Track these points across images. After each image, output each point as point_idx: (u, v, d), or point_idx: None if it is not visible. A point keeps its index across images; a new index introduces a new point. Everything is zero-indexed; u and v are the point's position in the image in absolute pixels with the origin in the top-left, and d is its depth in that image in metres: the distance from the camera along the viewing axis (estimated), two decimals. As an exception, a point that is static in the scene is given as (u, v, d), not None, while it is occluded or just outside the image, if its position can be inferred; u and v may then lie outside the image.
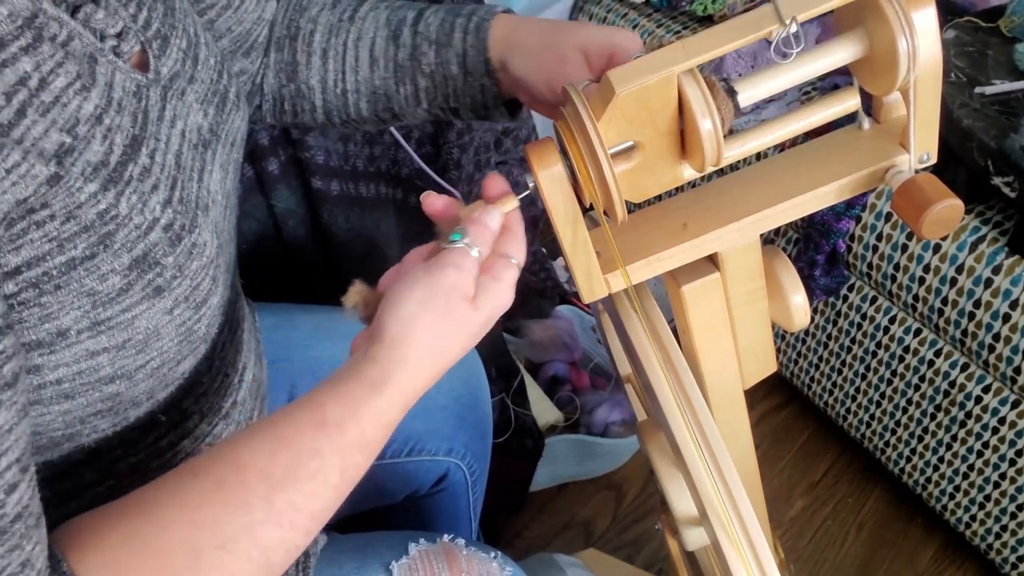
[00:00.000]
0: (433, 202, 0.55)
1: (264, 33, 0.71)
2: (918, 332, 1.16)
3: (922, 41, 0.45)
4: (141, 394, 0.51)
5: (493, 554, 0.71)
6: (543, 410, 1.40)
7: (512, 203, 0.53)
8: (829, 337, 1.31)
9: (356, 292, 0.53)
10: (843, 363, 1.32)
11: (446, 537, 0.71)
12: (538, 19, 0.64)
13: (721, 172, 0.56)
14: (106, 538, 0.43)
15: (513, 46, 0.64)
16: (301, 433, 0.46)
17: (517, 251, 0.53)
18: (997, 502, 1.16)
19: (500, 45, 0.64)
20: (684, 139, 0.49)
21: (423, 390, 0.50)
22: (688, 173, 0.51)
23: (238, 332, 0.64)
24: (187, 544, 0.42)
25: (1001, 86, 1.02)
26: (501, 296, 0.51)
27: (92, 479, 0.54)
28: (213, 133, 0.57)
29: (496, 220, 0.52)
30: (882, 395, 1.27)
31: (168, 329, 0.50)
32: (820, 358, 1.36)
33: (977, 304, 1.03)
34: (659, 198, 0.55)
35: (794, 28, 0.44)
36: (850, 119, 0.55)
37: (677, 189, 0.53)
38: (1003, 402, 1.08)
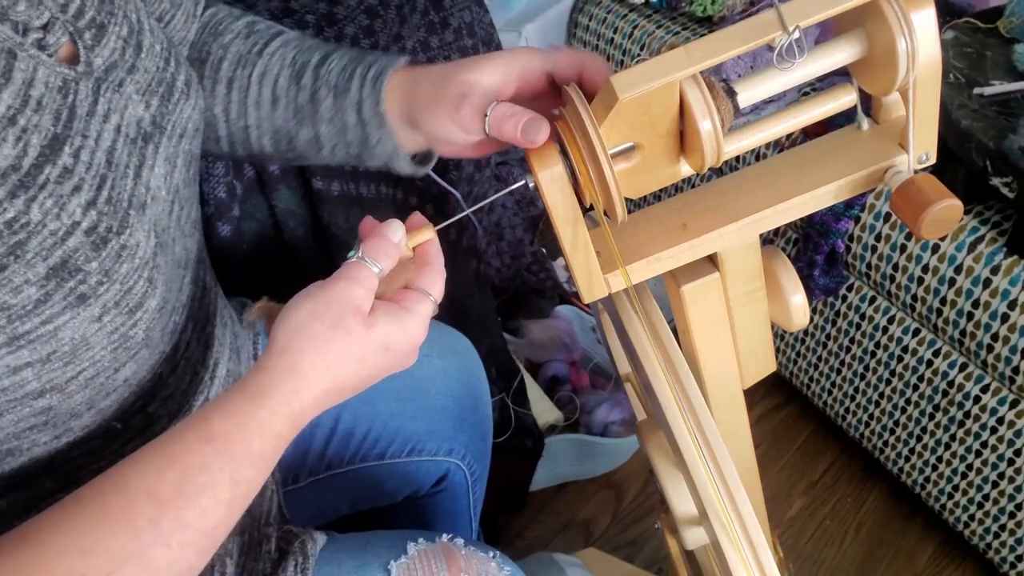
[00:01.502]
0: (363, 223, 0.53)
1: (185, 52, 0.68)
2: (917, 332, 1.16)
3: (921, 42, 0.45)
4: (78, 405, 0.49)
5: (492, 553, 0.71)
6: (543, 410, 1.41)
7: (428, 233, 0.52)
8: (828, 337, 1.32)
9: (259, 308, 0.54)
10: (842, 363, 1.32)
11: (445, 537, 0.71)
12: (435, 67, 0.59)
13: (721, 172, 0.57)
14: None
15: (415, 102, 0.59)
16: (188, 449, 0.44)
17: (433, 286, 0.51)
18: (996, 501, 1.16)
19: (400, 101, 0.60)
20: (684, 138, 0.49)
21: (314, 405, 0.48)
22: (685, 169, 0.51)
23: (207, 328, 0.62)
24: (74, 573, 0.41)
25: (1000, 87, 1.02)
26: (407, 326, 0.49)
27: (52, 487, 0.53)
28: (156, 125, 0.54)
29: (396, 232, 0.50)
30: (881, 395, 1.27)
31: (98, 337, 0.47)
32: (819, 358, 1.36)
33: (976, 304, 1.04)
34: (659, 197, 0.55)
35: (797, 35, 0.44)
36: (849, 120, 0.55)
37: (676, 188, 0.53)
38: (1002, 402, 1.08)
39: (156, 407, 0.56)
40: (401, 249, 0.51)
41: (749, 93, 0.48)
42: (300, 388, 0.47)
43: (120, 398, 0.52)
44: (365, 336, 0.48)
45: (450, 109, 0.54)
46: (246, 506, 0.47)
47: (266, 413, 0.46)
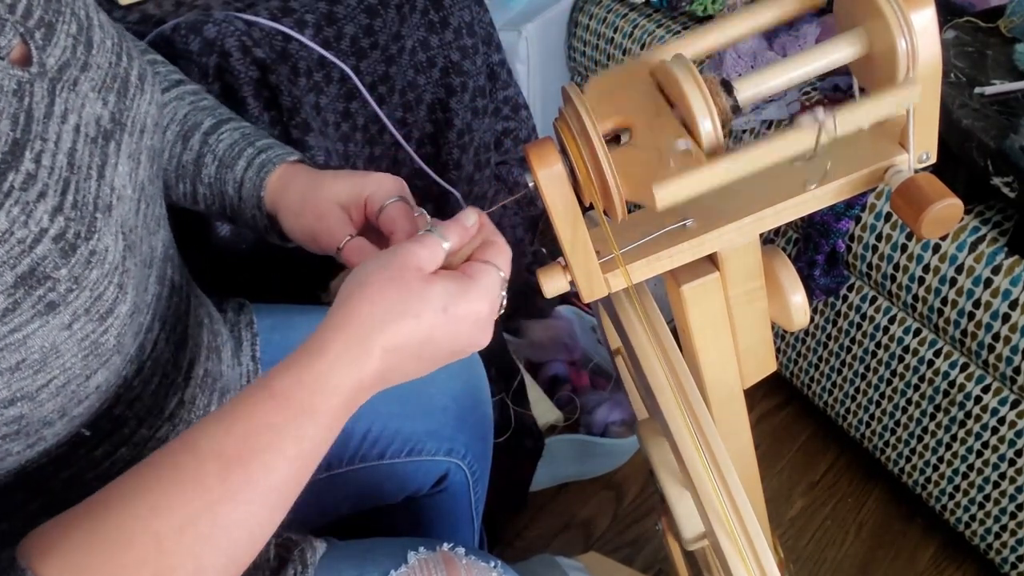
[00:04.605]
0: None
1: None
2: (918, 332, 1.16)
3: (921, 41, 0.45)
4: (50, 413, 0.48)
5: (493, 563, 0.71)
6: (543, 410, 1.40)
7: (473, 217, 0.53)
8: (829, 337, 1.31)
9: (336, 284, 0.54)
10: (843, 363, 1.32)
11: (445, 546, 0.70)
12: (306, 173, 0.65)
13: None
14: (69, 539, 0.42)
15: (280, 204, 0.65)
16: (252, 408, 0.45)
17: (500, 260, 0.51)
18: (997, 502, 1.16)
19: (273, 196, 0.65)
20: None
21: (377, 362, 0.47)
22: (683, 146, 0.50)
23: (178, 329, 0.62)
24: (147, 531, 0.42)
25: (1001, 86, 1.02)
26: (469, 293, 0.48)
27: (23, 498, 0.52)
28: (116, 122, 0.53)
29: (471, 218, 0.52)
30: (882, 395, 1.27)
31: (68, 345, 0.46)
32: (820, 358, 1.36)
33: (977, 304, 1.04)
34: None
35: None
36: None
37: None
38: (1003, 402, 1.08)
39: (122, 410, 0.55)
40: (472, 233, 0.52)
41: (749, 92, 0.48)
42: (359, 340, 0.46)
43: (91, 405, 0.51)
44: (422, 291, 0.47)
45: (309, 228, 0.62)
46: (313, 464, 0.46)
47: (324, 366, 0.45)
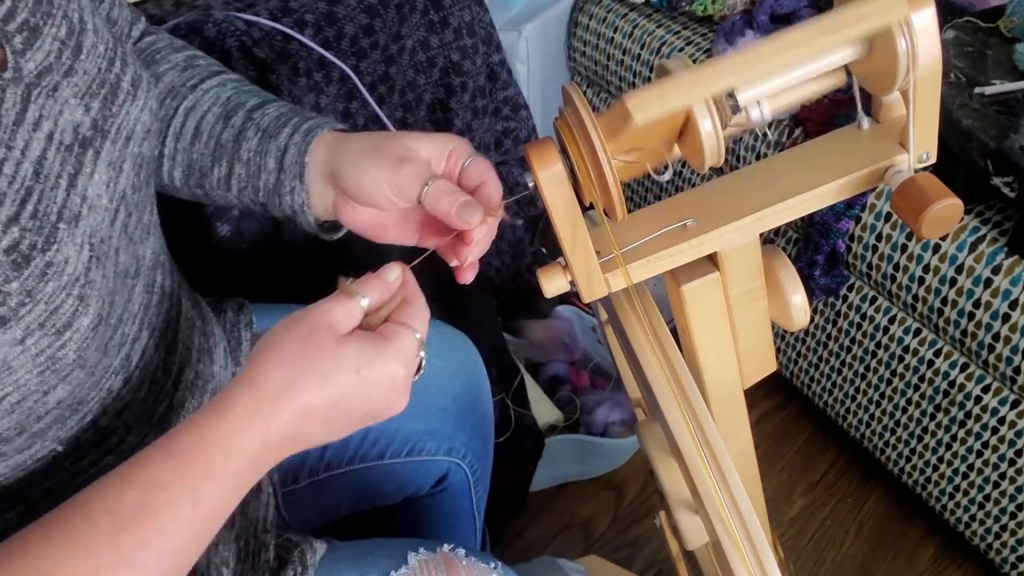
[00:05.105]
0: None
1: None
2: (918, 332, 1.16)
3: (921, 41, 0.45)
4: (7, 430, 0.47)
5: (493, 564, 0.71)
6: (543, 410, 1.40)
7: (396, 272, 0.51)
8: (829, 337, 1.31)
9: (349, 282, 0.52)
10: (843, 363, 1.32)
11: (446, 547, 0.70)
12: (369, 133, 0.60)
13: (721, 171, 0.56)
14: None
15: (343, 156, 0.58)
16: (149, 467, 0.43)
17: (418, 322, 0.49)
18: (997, 502, 1.16)
19: (327, 154, 0.59)
20: (683, 137, 0.49)
21: (285, 424, 0.45)
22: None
23: (168, 334, 0.61)
24: None
25: (1001, 86, 1.02)
26: (384, 355, 0.47)
27: (1, 507, 0.51)
28: (97, 129, 0.52)
29: (392, 273, 0.50)
30: (882, 395, 1.27)
31: (22, 361, 0.45)
32: (820, 358, 1.36)
33: (977, 304, 1.03)
34: (658, 197, 0.55)
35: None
36: (850, 119, 0.55)
37: (676, 188, 0.53)
38: (1003, 402, 1.08)
39: (109, 421, 0.54)
40: (393, 288, 0.50)
41: (749, 93, 0.48)
42: (263, 401, 0.44)
43: (57, 419, 0.50)
44: (334, 351, 0.45)
45: (389, 167, 0.54)
46: (212, 529, 0.45)
47: (227, 426, 0.44)
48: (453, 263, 0.57)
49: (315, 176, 0.60)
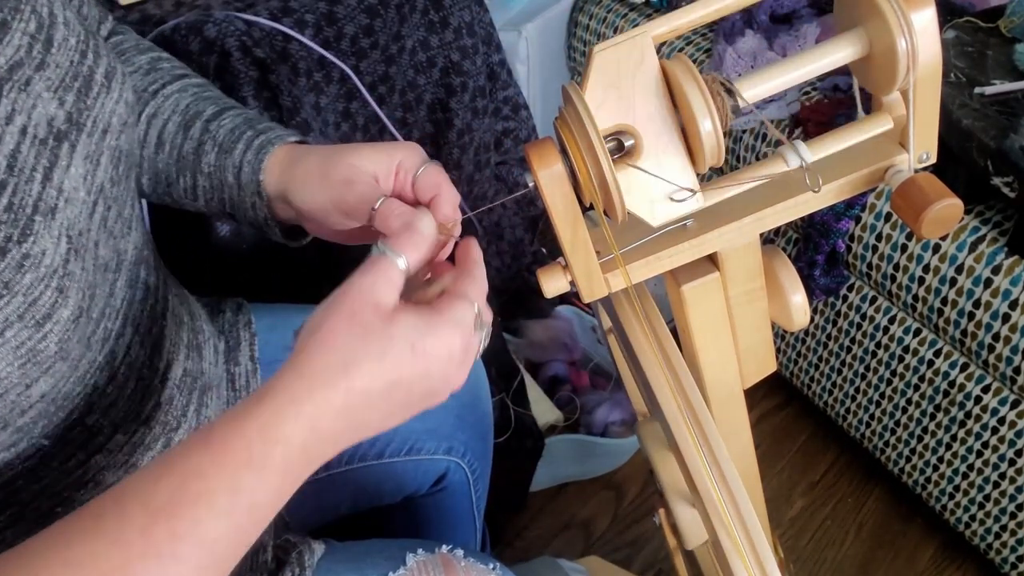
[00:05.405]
0: (383, 207, 0.51)
1: None
2: (918, 332, 1.16)
3: (922, 41, 0.45)
4: None
5: (492, 565, 0.71)
6: (543, 410, 1.40)
7: (428, 221, 0.47)
8: (829, 337, 1.31)
9: None
10: (843, 363, 1.32)
11: (444, 548, 0.70)
12: (319, 147, 0.59)
13: (721, 171, 0.57)
14: None
15: (292, 179, 0.58)
16: (186, 456, 0.41)
17: (474, 292, 0.46)
18: (997, 502, 1.16)
19: (279, 174, 0.59)
20: (687, 139, 0.49)
21: (338, 411, 0.43)
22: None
23: (154, 331, 0.61)
24: None
25: (1001, 86, 1.02)
26: (438, 329, 0.44)
27: None
28: (72, 122, 0.51)
29: (427, 224, 0.47)
30: (882, 395, 1.27)
31: (2, 353, 0.44)
32: (820, 358, 1.36)
33: (977, 304, 1.03)
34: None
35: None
36: (850, 119, 0.55)
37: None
38: (1003, 402, 1.08)
39: (96, 419, 0.54)
40: (431, 241, 0.47)
41: (749, 92, 0.48)
42: (315, 387, 0.42)
43: (42, 414, 0.50)
44: (384, 330, 0.43)
45: (336, 191, 0.54)
46: (257, 521, 0.43)
47: (268, 415, 0.42)
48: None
49: (272, 193, 0.60)
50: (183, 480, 0.41)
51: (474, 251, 0.50)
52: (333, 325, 0.43)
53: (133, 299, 0.58)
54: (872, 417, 1.31)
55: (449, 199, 0.54)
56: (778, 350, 1.43)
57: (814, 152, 0.50)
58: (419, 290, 0.47)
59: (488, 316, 0.48)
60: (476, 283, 0.47)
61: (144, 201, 0.91)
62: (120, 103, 0.56)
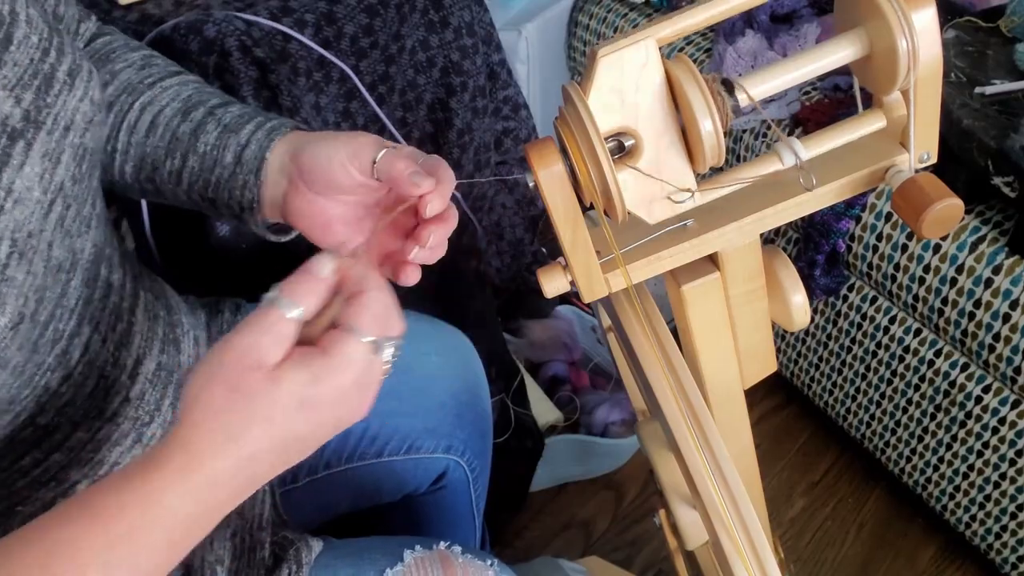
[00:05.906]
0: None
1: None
2: (918, 332, 1.16)
3: (922, 41, 0.45)
4: None
5: (490, 561, 0.71)
6: (543, 410, 1.40)
7: (326, 264, 0.44)
8: (829, 337, 1.31)
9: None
10: (843, 363, 1.31)
11: (442, 544, 0.70)
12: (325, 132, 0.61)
13: (721, 171, 0.57)
14: None
15: (305, 138, 0.58)
16: (63, 522, 0.39)
17: (359, 320, 0.43)
18: (997, 502, 1.16)
19: (288, 145, 0.59)
20: (687, 140, 0.49)
21: (231, 477, 0.41)
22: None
23: (119, 328, 0.60)
24: None
25: (1001, 86, 1.02)
26: (327, 375, 0.42)
27: None
28: (30, 120, 0.50)
29: (324, 267, 0.44)
30: (882, 395, 1.27)
31: None
32: (820, 358, 1.36)
33: (977, 304, 1.03)
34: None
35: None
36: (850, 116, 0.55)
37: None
38: (1003, 402, 1.08)
39: (50, 417, 0.53)
40: (331, 283, 0.44)
41: (750, 92, 0.48)
42: (203, 460, 0.41)
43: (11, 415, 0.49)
44: (268, 394, 0.41)
45: (346, 137, 0.55)
46: None
47: (151, 486, 0.40)
48: (399, 276, 0.55)
49: (272, 168, 0.60)
50: (56, 547, 0.39)
51: (358, 268, 0.46)
52: (215, 393, 0.41)
53: (91, 297, 0.57)
54: (872, 417, 1.31)
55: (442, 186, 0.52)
56: (778, 350, 1.43)
57: (809, 149, 0.50)
58: (306, 325, 0.44)
59: (395, 330, 0.45)
60: (366, 308, 0.44)
61: (144, 202, 0.92)
62: (85, 101, 0.55)
